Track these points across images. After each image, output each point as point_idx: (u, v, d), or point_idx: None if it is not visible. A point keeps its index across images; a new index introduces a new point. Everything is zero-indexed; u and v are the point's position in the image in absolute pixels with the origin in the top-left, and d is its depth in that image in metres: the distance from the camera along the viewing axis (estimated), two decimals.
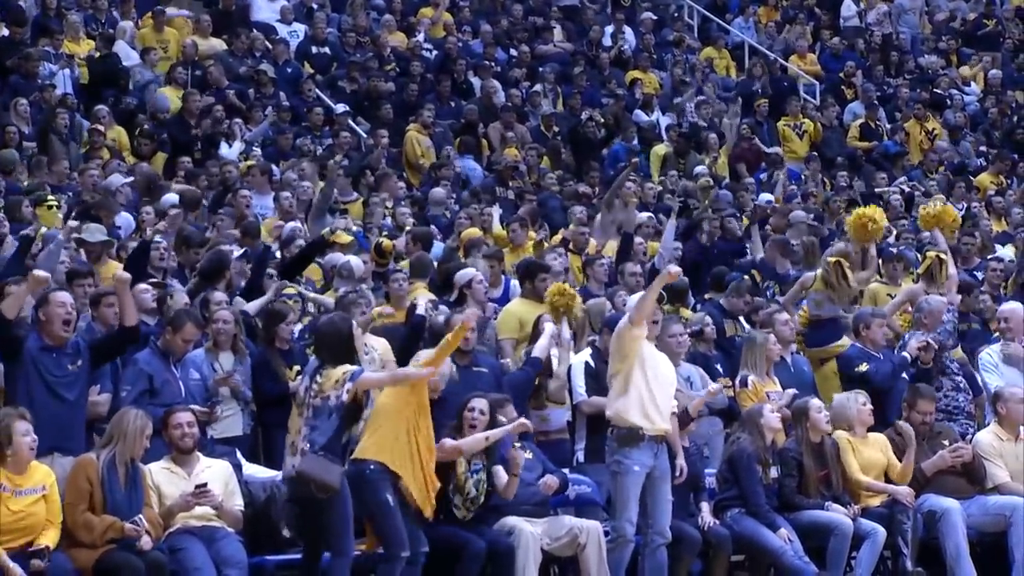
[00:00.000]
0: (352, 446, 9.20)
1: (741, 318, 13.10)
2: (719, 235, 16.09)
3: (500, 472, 9.80)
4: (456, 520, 9.71)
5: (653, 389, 9.82)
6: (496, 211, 16.38)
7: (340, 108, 19.69)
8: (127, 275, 9.81)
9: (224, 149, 17.89)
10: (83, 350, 9.46)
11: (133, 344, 9.90)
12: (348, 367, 8.91)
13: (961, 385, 11.85)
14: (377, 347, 10.96)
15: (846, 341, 12.26)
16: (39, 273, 9.51)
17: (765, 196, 18.59)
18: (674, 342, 11.02)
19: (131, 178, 15.60)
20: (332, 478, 8.79)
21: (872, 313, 12.19)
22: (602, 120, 20.80)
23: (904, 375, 11.75)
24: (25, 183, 15.47)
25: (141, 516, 8.80)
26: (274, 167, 17.31)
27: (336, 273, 12.98)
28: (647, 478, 9.82)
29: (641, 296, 10.12)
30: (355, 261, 12.86)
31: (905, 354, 11.66)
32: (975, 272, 15.22)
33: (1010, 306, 12.37)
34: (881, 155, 22.26)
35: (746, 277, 14.25)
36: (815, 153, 21.69)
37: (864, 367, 11.57)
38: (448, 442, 9.64)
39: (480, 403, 9.85)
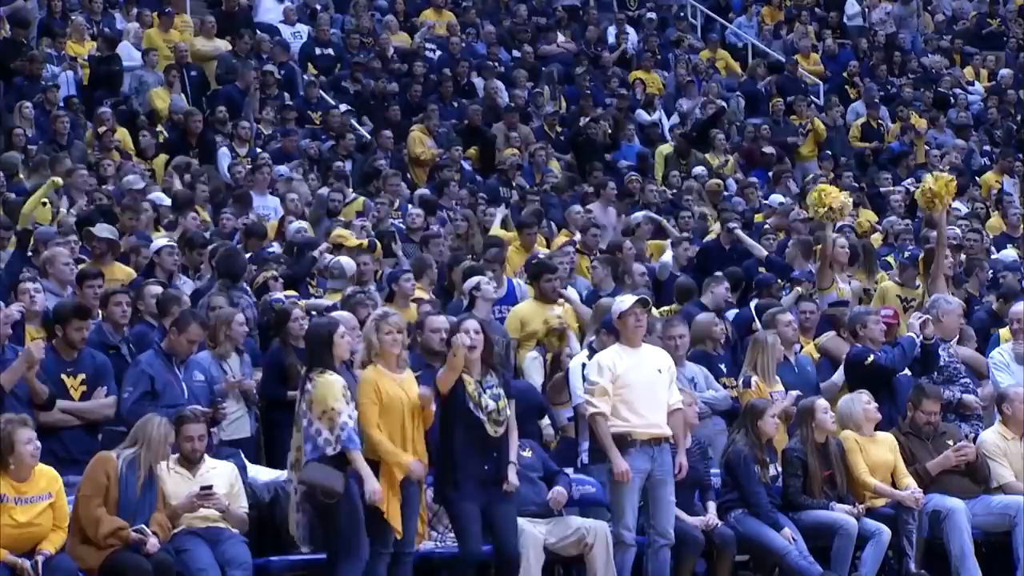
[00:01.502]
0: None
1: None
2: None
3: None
4: (489, 439, 9.36)
5: (629, 397, 9.81)
6: (501, 211, 16.40)
7: (341, 108, 19.70)
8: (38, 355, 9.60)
9: (224, 153, 17.90)
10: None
11: None
12: (341, 417, 8.83)
13: (970, 387, 11.82)
14: None
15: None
16: (33, 348, 9.44)
17: (776, 198, 18.59)
18: (672, 344, 11.05)
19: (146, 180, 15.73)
20: (335, 483, 8.81)
21: (867, 311, 12.20)
22: (604, 124, 20.77)
23: (909, 371, 11.76)
24: (28, 184, 15.53)
25: (143, 526, 8.81)
26: (284, 168, 17.31)
27: (328, 274, 13.03)
28: (648, 480, 9.81)
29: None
30: (345, 261, 12.93)
31: (910, 334, 11.65)
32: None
33: (1021, 306, 12.37)
34: (888, 158, 22.25)
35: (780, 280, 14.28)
36: (828, 152, 21.68)
37: (871, 357, 11.58)
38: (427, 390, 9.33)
39: (471, 324, 9.51)
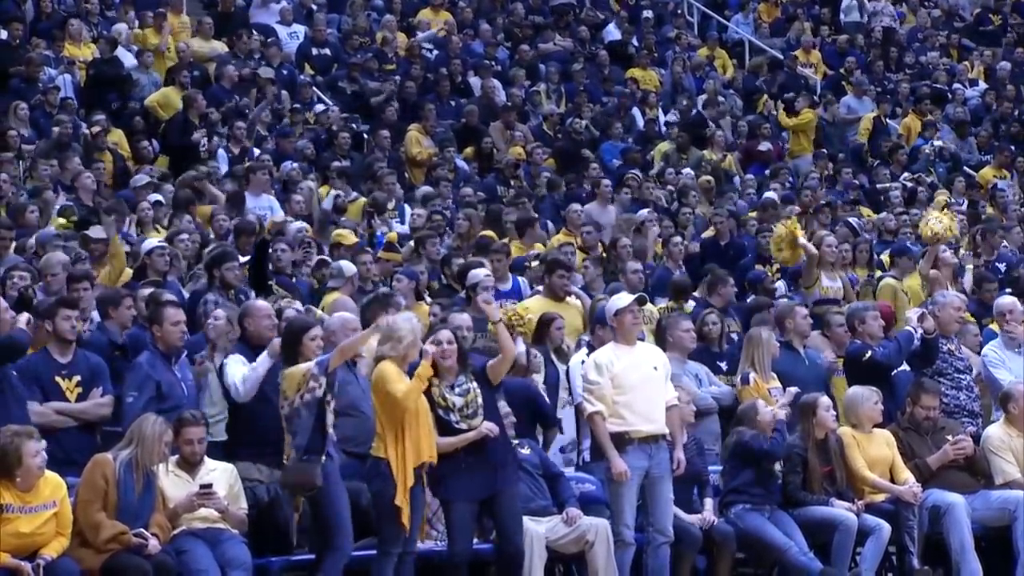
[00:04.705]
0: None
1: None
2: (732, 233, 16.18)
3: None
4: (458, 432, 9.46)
5: (626, 396, 9.85)
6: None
7: (334, 110, 19.69)
8: None
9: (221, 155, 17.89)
10: None
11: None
12: (305, 365, 8.94)
13: (963, 383, 11.71)
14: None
15: None
16: None
17: (770, 195, 18.61)
18: (687, 337, 11.09)
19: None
20: (310, 476, 8.88)
21: (864, 307, 12.19)
22: (586, 123, 20.73)
23: (909, 366, 11.75)
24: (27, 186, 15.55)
25: (143, 530, 8.82)
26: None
27: (328, 275, 13.06)
28: (646, 478, 9.84)
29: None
30: (344, 263, 12.95)
31: (908, 328, 11.64)
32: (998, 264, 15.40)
33: (1007, 298, 12.39)
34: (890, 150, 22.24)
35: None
36: (823, 150, 21.67)
37: (869, 353, 11.57)
38: None
39: (444, 334, 9.61)
